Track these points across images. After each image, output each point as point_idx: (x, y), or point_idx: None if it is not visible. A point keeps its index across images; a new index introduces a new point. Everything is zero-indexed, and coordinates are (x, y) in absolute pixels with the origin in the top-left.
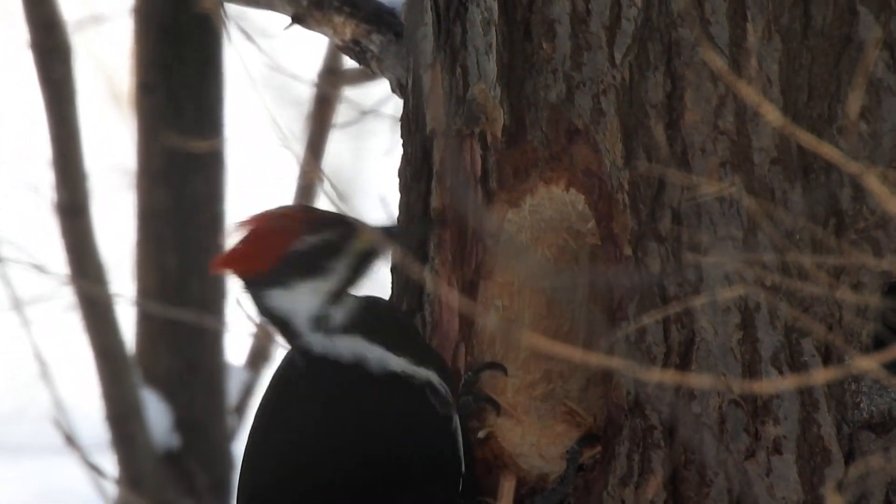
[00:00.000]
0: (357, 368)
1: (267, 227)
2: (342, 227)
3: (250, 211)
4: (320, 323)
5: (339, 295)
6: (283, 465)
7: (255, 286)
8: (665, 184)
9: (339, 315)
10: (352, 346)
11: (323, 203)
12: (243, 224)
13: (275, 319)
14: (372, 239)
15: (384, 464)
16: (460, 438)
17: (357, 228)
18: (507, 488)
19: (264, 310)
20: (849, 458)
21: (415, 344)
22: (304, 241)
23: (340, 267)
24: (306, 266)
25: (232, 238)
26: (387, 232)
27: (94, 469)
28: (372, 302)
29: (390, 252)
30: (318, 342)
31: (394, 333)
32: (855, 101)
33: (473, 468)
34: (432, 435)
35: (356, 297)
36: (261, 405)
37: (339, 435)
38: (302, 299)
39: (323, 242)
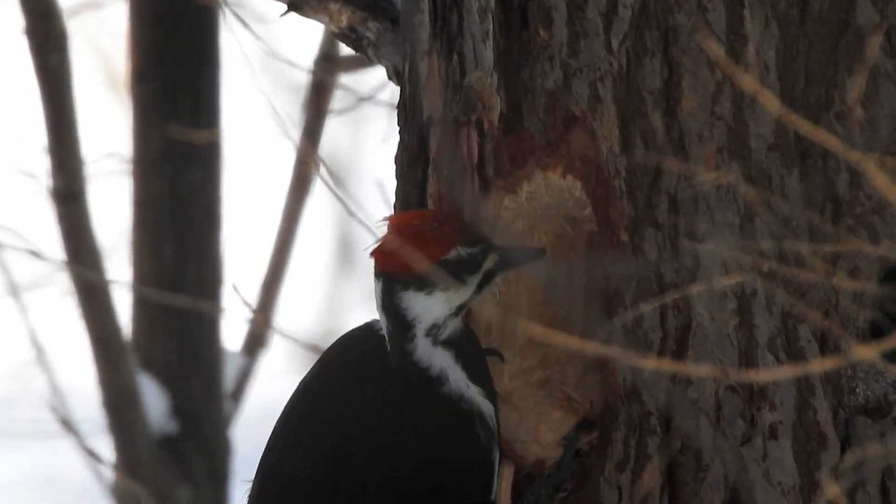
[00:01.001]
0: (431, 383)
1: (427, 230)
2: (483, 244)
3: (407, 210)
4: (434, 331)
5: (462, 309)
6: (319, 453)
7: (398, 284)
8: (662, 170)
9: (449, 329)
10: (443, 362)
11: (323, 190)
12: (399, 222)
13: (397, 318)
14: (496, 259)
15: (416, 477)
16: (497, 470)
17: (491, 247)
18: (506, 475)
19: (392, 307)
20: (845, 443)
21: (486, 377)
22: (458, 251)
23: (473, 283)
24: (451, 276)
25: (388, 233)
26: (504, 254)
27: (91, 455)
28: (467, 329)
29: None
30: (423, 349)
31: (474, 362)
32: (856, 89)
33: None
34: (470, 461)
35: (462, 318)
36: (316, 382)
37: (380, 440)
38: (434, 307)
39: (469, 257)
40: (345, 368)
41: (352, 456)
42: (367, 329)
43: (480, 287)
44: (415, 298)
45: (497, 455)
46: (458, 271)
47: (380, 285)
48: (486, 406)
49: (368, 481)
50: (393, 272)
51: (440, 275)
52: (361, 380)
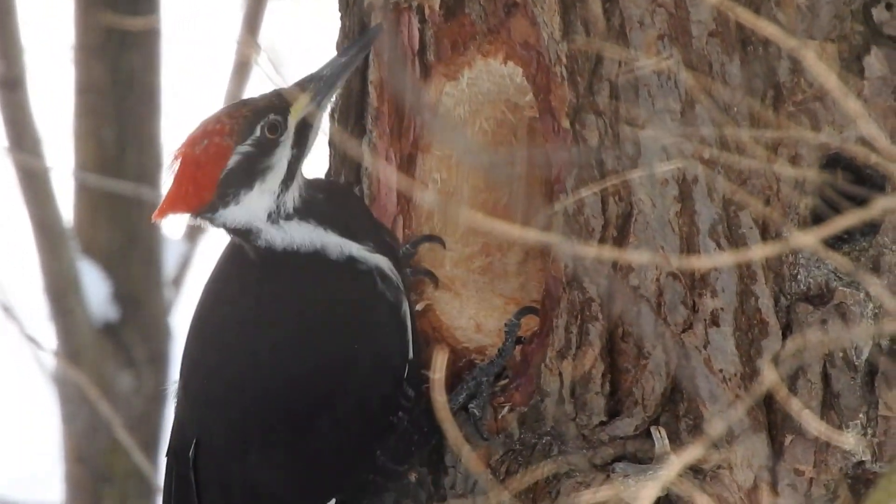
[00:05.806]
0: (309, 255)
1: (195, 157)
2: (271, 114)
3: (178, 140)
4: (275, 216)
5: (288, 181)
6: (226, 348)
7: (206, 214)
8: (603, 57)
9: (289, 203)
10: (306, 233)
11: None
12: (175, 158)
13: (236, 231)
14: (305, 103)
15: (328, 348)
16: (409, 325)
17: (288, 101)
18: (440, 360)
19: (223, 227)
20: (786, 330)
21: (367, 227)
22: (237, 154)
23: (280, 155)
24: (246, 176)
25: (168, 176)
26: (320, 79)
27: (32, 341)
28: (324, 185)
29: (328, 103)
30: (278, 236)
31: (345, 217)
32: None
33: (421, 354)
34: (378, 321)
35: (305, 179)
36: (210, 281)
37: (283, 321)
38: (254, 205)
39: (255, 145)
40: (235, 264)
41: (265, 339)
42: None
43: (300, 143)
44: (229, 214)
45: (406, 306)
46: (252, 165)
47: (198, 221)
48: (381, 260)
49: (283, 357)
50: (190, 210)
51: (231, 185)
52: (248, 271)
